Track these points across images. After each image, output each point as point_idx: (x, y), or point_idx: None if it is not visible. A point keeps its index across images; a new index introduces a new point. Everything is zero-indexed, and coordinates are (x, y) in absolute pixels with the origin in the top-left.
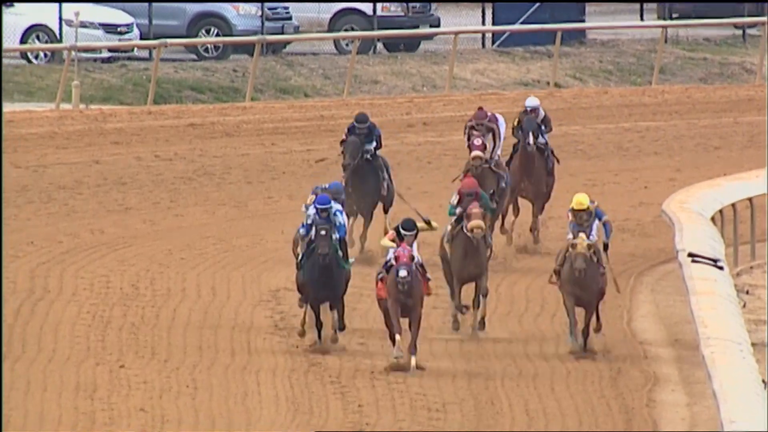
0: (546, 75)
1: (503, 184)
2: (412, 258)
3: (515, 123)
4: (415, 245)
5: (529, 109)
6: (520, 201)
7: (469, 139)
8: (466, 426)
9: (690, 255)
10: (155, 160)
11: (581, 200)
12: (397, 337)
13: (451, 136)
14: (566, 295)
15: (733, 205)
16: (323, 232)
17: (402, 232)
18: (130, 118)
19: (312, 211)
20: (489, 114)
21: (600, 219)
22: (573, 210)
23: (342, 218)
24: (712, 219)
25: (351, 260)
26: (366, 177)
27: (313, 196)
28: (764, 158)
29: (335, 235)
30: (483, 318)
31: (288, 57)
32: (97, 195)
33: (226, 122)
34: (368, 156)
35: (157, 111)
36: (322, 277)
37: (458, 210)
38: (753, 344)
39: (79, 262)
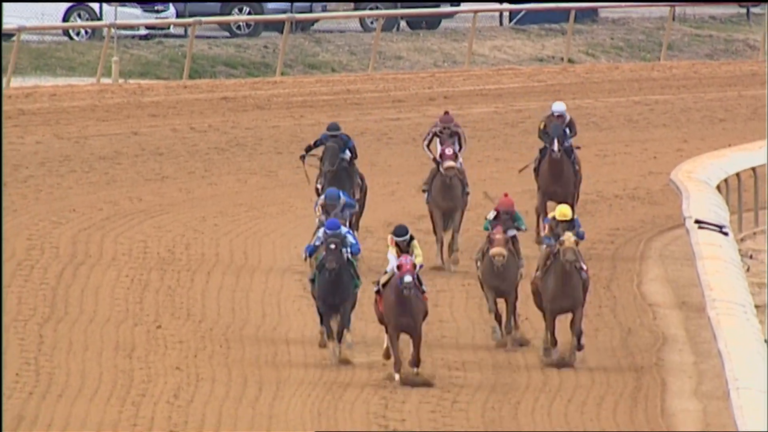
0: (560, 51)
1: (467, 191)
2: (415, 266)
3: (541, 127)
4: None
5: (556, 114)
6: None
7: (428, 145)
8: (485, 383)
9: (696, 221)
10: (190, 132)
11: (565, 212)
12: (399, 348)
13: (470, 109)
14: (548, 312)
15: (737, 174)
16: (333, 246)
17: (395, 238)
18: (167, 92)
19: (322, 235)
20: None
21: (578, 232)
22: (554, 219)
23: (354, 240)
24: (718, 188)
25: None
26: (342, 182)
27: (323, 199)
28: (766, 130)
29: (345, 249)
30: (511, 321)
31: (316, 34)
32: (135, 165)
33: (257, 96)
34: (345, 164)
35: (192, 85)
36: (330, 289)
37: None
38: (756, 306)
39: (118, 228)
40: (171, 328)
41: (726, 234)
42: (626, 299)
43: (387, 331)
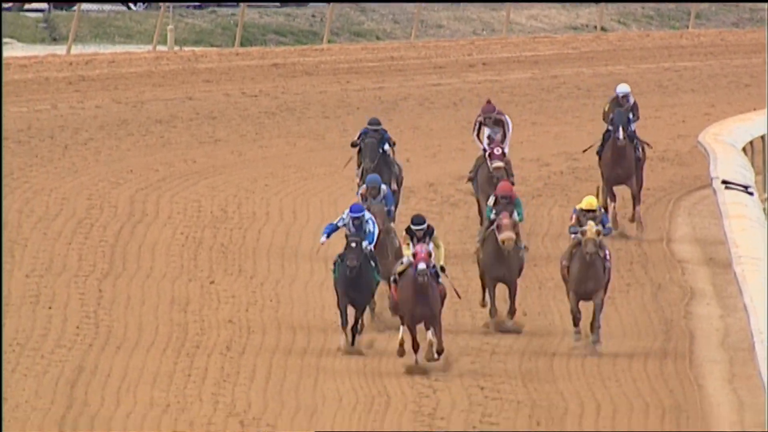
0: (593, 20)
1: (512, 180)
2: (430, 255)
3: (605, 109)
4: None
5: (620, 95)
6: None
7: (478, 134)
8: (519, 339)
9: (723, 182)
10: (242, 97)
11: (591, 201)
12: (406, 341)
13: (508, 75)
14: (572, 294)
15: (762, 137)
16: (354, 244)
17: (412, 227)
18: (220, 59)
19: (347, 217)
20: (497, 108)
21: (604, 223)
22: (581, 210)
23: (373, 227)
24: (744, 150)
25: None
26: (381, 174)
27: (364, 187)
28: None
29: (366, 243)
30: (513, 312)
31: (361, 3)
32: (189, 128)
33: (305, 62)
34: (384, 157)
35: (244, 52)
36: (351, 284)
37: (494, 215)
38: None
39: (173, 188)
40: (223, 284)
41: (751, 194)
42: (656, 256)
43: (402, 323)
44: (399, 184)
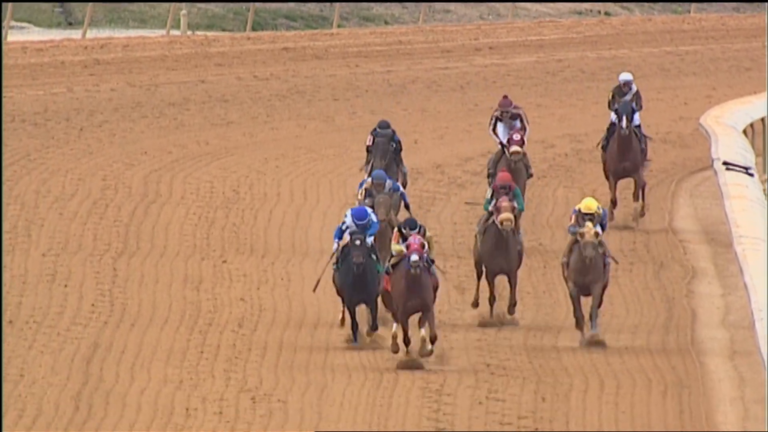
0: (597, 4)
1: (530, 172)
2: (423, 246)
3: (609, 97)
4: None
5: (622, 83)
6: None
7: (494, 129)
8: (524, 316)
9: (724, 163)
10: (254, 80)
11: (590, 204)
12: (399, 335)
13: (513, 59)
14: (572, 285)
15: (762, 119)
16: (358, 242)
17: (404, 232)
18: (232, 43)
19: (350, 221)
20: (513, 103)
21: (603, 223)
22: (579, 212)
23: (376, 218)
24: (744, 132)
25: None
26: (389, 172)
27: (370, 180)
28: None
29: (369, 239)
30: (514, 305)
31: None
32: (202, 111)
33: (315, 47)
34: (393, 156)
35: (255, 36)
36: (357, 282)
37: (492, 205)
38: None
39: (186, 169)
40: (236, 263)
41: (752, 175)
42: (659, 235)
43: (395, 318)
44: (403, 187)
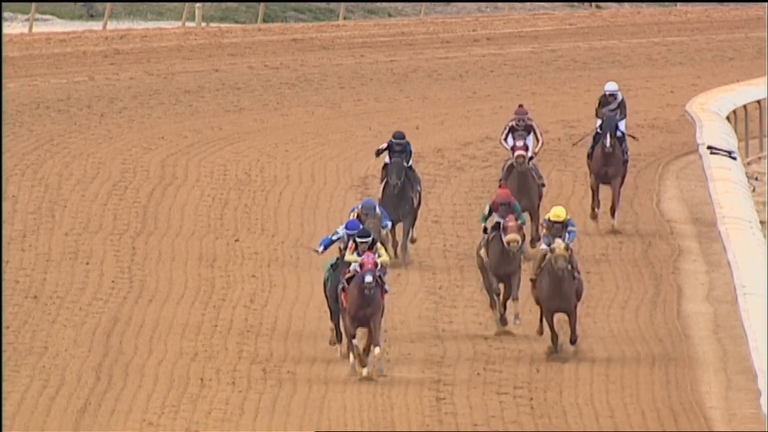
0: None
1: (541, 182)
2: (377, 265)
3: (596, 105)
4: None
5: (608, 93)
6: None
7: (506, 139)
8: (520, 295)
9: (708, 147)
10: (264, 69)
11: (559, 213)
12: (355, 342)
13: (509, 49)
14: (543, 304)
15: (744, 106)
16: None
17: (357, 240)
18: (244, 34)
19: (342, 232)
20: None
21: (570, 227)
22: (549, 221)
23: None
24: (727, 118)
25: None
26: (404, 190)
27: (360, 208)
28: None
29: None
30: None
31: None
32: (216, 98)
33: (323, 38)
34: (409, 172)
35: (266, 28)
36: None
37: (494, 217)
38: (761, 222)
39: (201, 153)
40: (247, 241)
41: (734, 159)
42: (647, 216)
43: (345, 331)
44: (418, 202)
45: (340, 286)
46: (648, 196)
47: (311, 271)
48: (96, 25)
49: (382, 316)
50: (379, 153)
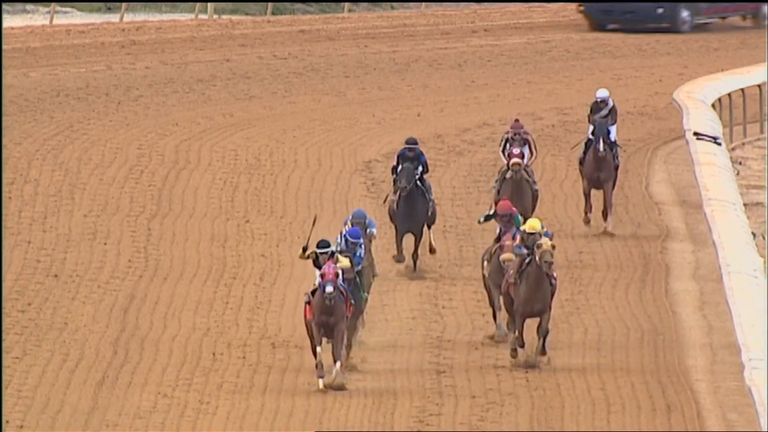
0: None
1: (535, 187)
2: (338, 275)
3: (588, 112)
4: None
5: (599, 99)
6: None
7: (503, 150)
8: None
9: (695, 133)
10: (273, 59)
11: (534, 224)
12: (319, 351)
13: (506, 40)
14: (520, 308)
15: (729, 94)
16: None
17: (317, 251)
18: (253, 26)
19: (341, 239)
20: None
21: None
22: (525, 232)
23: (362, 252)
24: (713, 105)
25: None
26: (416, 199)
27: (351, 218)
28: (753, 57)
29: (358, 252)
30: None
31: None
32: (227, 86)
33: (328, 29)
34: (418, 180)
35: (275, 20)
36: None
37: (496, 227)
38: (744, 204)
39: (213, 139)
40: (257, 222)
41: (719, 144)
42: (636, 198)
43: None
44: (432, 211)
45: (305, 299)
46: (637, 180)
47: None
48: (113, 18)
49: (345, 324)
50: (394, 171)
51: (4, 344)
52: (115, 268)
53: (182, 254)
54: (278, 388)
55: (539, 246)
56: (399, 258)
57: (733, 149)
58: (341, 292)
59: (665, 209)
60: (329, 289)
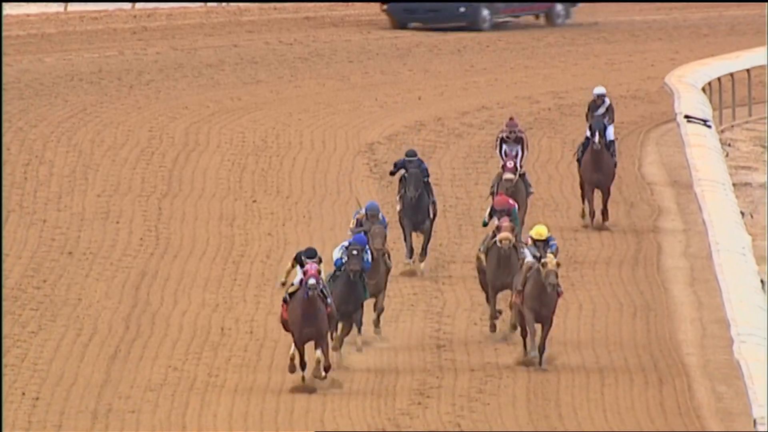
0: None
1: (530, 190)
2: (320, 272)
3: (586, 110)
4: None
5: (595, 96)
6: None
7: (498, 149)
8: None
9: (686, 116)
10: (279, 45)
11: (541, 231)
12: (296, 357)
13: (506, 28)
14: (527, 311)
15: (718, 78)
16: (355, 252)
17: (304, 259)
18: (260, 13)
19: (348, 244)
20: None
21: (552, 242)
22: (532, 239)
23: (369, 257)
24: (703, 89)
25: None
26: (421, 201)
27: (364, 211)
28: (742, 43)
29: (365, 258)
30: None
31: None
32: (235, 71)
33: (333, 16)
34: (426, 186)
35: (281, 7)
36: (348, 294)
37: (494, 222)
38: (733, 184)
39: (221, 122)
40: (264, 202)
41: (709, 126)
42: (629, 179)
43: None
44: (434, 214)
45: (283, 298)
46: (630, 161)
47: (323, 230)
48: (126, 5)
49: (328, 328)
50: (393, 174)
51: (20, 319)
52: (127, 246)
53: (192, 233)
54: (285, 363)
55: (544, 264)
56: (409, 257)
57: (722, 131)
58: (321, 293)
59: (657, 189)
60: (312, 281)
